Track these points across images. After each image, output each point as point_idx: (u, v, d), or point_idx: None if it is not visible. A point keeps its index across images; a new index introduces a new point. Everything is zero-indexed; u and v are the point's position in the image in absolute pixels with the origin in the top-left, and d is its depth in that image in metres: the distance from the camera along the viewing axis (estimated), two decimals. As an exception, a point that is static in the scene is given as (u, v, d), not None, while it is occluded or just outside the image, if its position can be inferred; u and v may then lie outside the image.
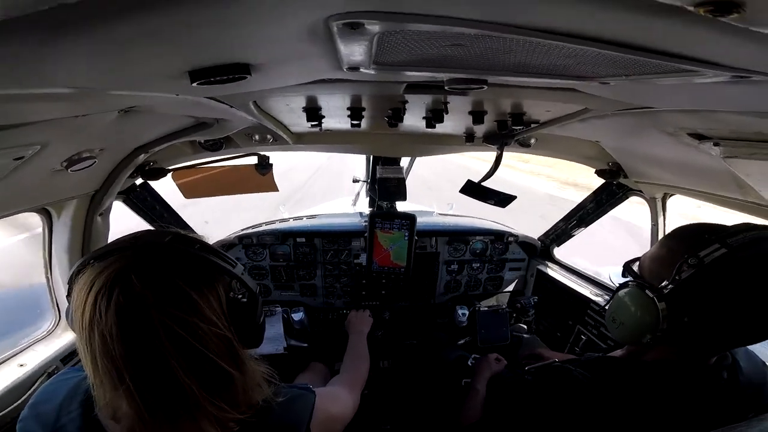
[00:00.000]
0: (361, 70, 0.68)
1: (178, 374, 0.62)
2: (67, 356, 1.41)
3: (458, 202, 3.19)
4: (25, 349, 1.37)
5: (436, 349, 2.27)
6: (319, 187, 12.50)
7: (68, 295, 0.69)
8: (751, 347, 0.93)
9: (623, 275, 1.02)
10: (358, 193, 2.94)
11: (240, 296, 0.73)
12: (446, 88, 0.81)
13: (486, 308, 2.18)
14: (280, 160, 1.76)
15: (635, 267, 0.98)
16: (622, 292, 0.93)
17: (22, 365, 1.28)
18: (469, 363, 1.73)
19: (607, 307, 0.99)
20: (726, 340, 0.85)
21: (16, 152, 0.82)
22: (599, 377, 0.93)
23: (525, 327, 2.16)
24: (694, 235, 0.86)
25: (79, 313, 0.63)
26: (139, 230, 0.76)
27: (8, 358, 1.29)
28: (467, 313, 2.24)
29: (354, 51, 0.55)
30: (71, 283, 0.68)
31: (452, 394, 1.63)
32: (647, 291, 0.85)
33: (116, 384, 0.62)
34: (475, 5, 0.43)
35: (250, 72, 0.58)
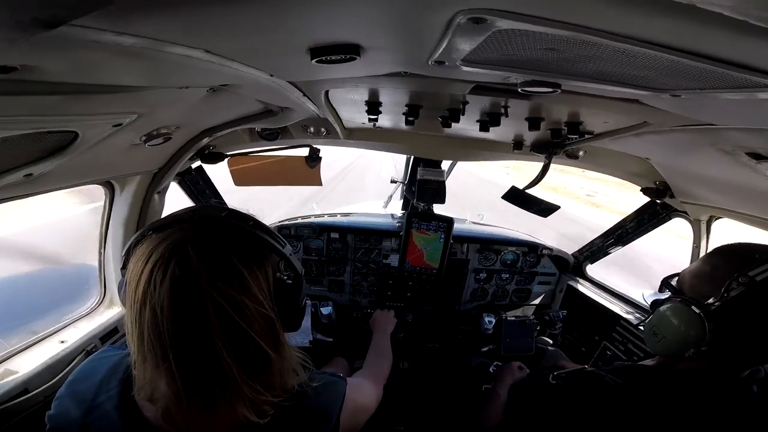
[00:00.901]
0: (447, 64, 0.72)
1: (220, 353, 0.63)
2: (107, 335, 1.43)
3: (487, 214, 3.20)
4: (67, 326, 1.39)
5: (457, 354, 2.28)
6: (344, 186, 12.71)
7: (123, 267, 0.70)
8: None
9: (660, 290, 1.02)
10: (391, 196, 3.00)
11: (285, 277, 0.75)
12: (519, 90, 0.84)
13: (513, 318, 2.18)
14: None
15: (674, 282, 0.98)
16: (664, 307, 0.93)
17: (62, 342, 1.30)
18: (490, 370, 1.74)
19: (645, 322, 0.99)
20: (764, 356, 0.85)
21: (116, 118, 0.88)
22: (631, 384, 0.94)
23: (550, 340, 2.15)
24: (742, 253, 0.87)
25: (134, 285, 0.64)
26: (197, 204, 0.78)
27: (51, 334, 1.32)
28: (494, 321, 2.24)
29: (456, 45, 0.60)
30: (128, 254, 0.69)
31: (472, 399, 1.64)
32: (693, 307, 0.86)
33: (159, 361, 0.63)
34: (587, 13, 0.47)
35: (359, 54, 0.63)
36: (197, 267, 0.62)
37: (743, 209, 1.42)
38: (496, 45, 0.60)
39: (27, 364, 1.18)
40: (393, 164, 2.39)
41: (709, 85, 0.66)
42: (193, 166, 1.76)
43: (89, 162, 1.10)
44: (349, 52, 0.63)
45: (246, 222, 0.73)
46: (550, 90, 0.82)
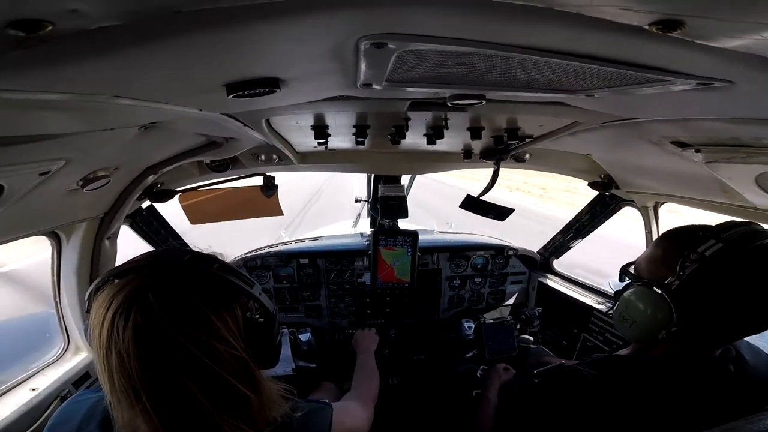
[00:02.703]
0: (374, 86, 0.74)
1: (194, 394, 0.62)
2: (78, 380, 1.41)
3: (456, 221, 3.26)
4: (35, 374, 1.37)
5: (444, 363, 2.28)
6: (317, 209, 12.61)
7: (87, 311, 0.69)
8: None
9: (620, 279, 1.05)
10: (359, 215, 3.00)
11: (257, 316, 0.74)
12: (448, 103, 0.88)
13: (491, 320, 2.21)
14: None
15: (631, 270, 1.02)
16: (628, 293, 0.95)
17: (34, 389, 1.28)
18: (478, 374, 1.75)
19: (613, 310, 1.01)
20: (732, 330, 0.88)
21: (43, 166, 0.84)
22: (608, 375, 0.95)
23: (531, 338, 2.18)
24: (687, 233, 0.91)
25: (97, 331, 0.63)
26: (159, 248, 0.78)
27: (20, 383, 1.30)
28: (473, 326, 2.26)
29: (371, 68, 0.62)
30: (90, 299, 0.68)
31: (464, 406, 1.63)
32: (655, 288, 0.88)
33: (133, 403, 0.62)
34: (479, 30, 0.50)
35: (279, 86, 0.64)
36: (159, 314, 0.62)
37: (682, 193, 1.51)
38: (409, 65, 0.62)
39: (1, 412, 1.18)
40: (363, 183, 2.41)
41: (615, 83, 0.70)
42: (144, 206, 1.70)
43: (26, 213, 1.05)
44: (267, 85, 0.64)
45: (210, 265, 0.71)
46: (476, 101, 0.85)
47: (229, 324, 0.68)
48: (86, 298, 0.70)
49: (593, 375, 0.96)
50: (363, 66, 0.62)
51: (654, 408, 0.86)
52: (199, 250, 0.77)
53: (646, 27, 0.41)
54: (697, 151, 1.07)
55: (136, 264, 0.69)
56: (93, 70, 0.48)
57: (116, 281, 0.66)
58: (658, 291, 0.87)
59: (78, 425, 0.72)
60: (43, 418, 1.23)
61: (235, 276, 0.73)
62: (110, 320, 0.62)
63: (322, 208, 13.10)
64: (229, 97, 0.63)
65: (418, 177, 2.25)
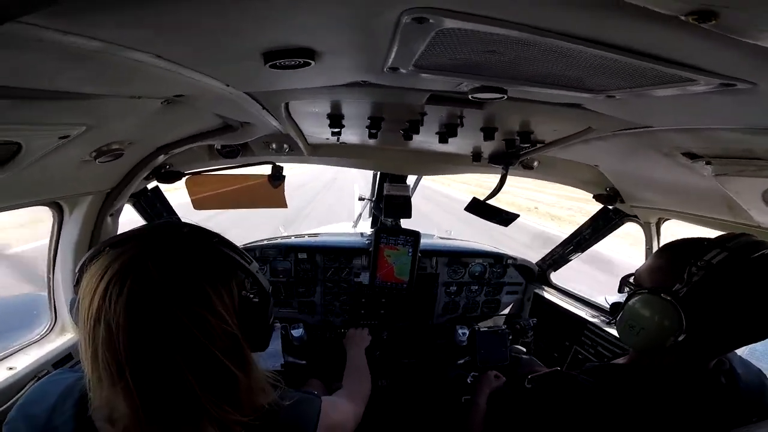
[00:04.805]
0: (400, 69, 0.75)
1: (181, 370, 0.61)
2: (59, 362, 1.35)
3: (455, 230, 3.28)
4: (16, 352, 1.32)
5: (435, 368, 2.26)
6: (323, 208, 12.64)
7: (76, 285, 0.67)
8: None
9: (620, 290, 1.05)
10: (360, 215, 3.01)
11: (252, 295, 0.73)
12: (469, 96, 0.89)
13: (486, 329, 2.20)
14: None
15: (632, 281, 1.01)
16: (633, 300, 0.93)
17: (11, 368, 1.23)
18: (468, 380, 1.74)
19: (618, 319, 0.99)
20: (736, 337, 0.88)
21: (64, 129, 0.84)
22: (603, 382, 0.95)
23: (523, 348, 2.18)
24: (691, 244, 0.92)
25: (87, 301, 0.62)
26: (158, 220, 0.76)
27: None
28: (467, 332, 2.25)
29: (405, 47, 0.63)
30: (82, 270, 0.67)
31: (452, 411, 1.62)
32: (663, 295, 0.87)
33: (115, 379, 0.60)
34: (521, 11, 0.51)
35: (314, 58, 0.64)
36: (157, 282, 0.61)
37: (686, 209, 1.53)
38: (441, 48, 0.64)
39: None
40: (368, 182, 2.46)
41: (638, 83, 0.72)
42: (149, 186, 1.69)
43: (35, 179, 1.03)
44: (303, 56, 0.64)
45: (210, 238, 0.71)
46: (498, 96, 0.86)
47: (225, 299, 0.67)
48: (77, 269, 0.68)
49: (589, 382, 0.96)
50: (396, 45, 0.63)
51: (648, 417, 0.86)
52: (200, 226, 0.76)
53: (683, 17, 0.42)
54: (708, 163, 1.09)
55: (135, 233, 0.68)
56: (136, 19, 0.48)
57: (112, 250, 0.64)
58: (666, 298, 0.87)
59: (53, 405, 0.69)
60: (16, 397, 1.17)
61: (233, 251, 0.72)
62: (103, 289, 0.60)
63: (328, 206, 13.16)
64: (266, 66, 0.63)
65: (422, 189, 2.27)
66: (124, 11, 0.46)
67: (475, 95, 0.88)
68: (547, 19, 0.52)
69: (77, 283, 0.67)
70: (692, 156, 1.13)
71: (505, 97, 0.88)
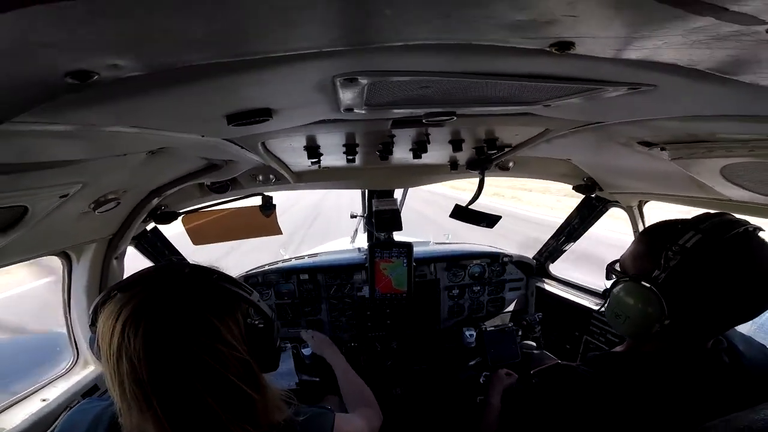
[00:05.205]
0: (355, 110, 0.84)
1: (202, 396, 0.67)
2: (87, 392, 1.46)
3: (454, 232, 3.32)
4: (46, 386, 1.43)
5: (446, 372, 2.28)
6: (318, 227, 12.70)
7: (92, 325, 0.73)
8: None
9: (607, 277, 1.09)
10: (356, 230, 3.07)
11: (257, 322, 0.79)
12: (423, 120, 0.97)
13: (493, 327, 2.23)
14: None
15: (617, 267, 1.03)
16: (616, 289, 0.96)
17: (44, 400, 1.34)
18: (480, 380, 1.76)
19: (605, 308, 1.02)
20: (720, 320, 0.88)
21: (63, 189, 0.93)
22: (602, 371, 0.96)
23: (534, 344, 2.20)
24: (666, 227, 0.93)
25: (107, 340, 0.67)
26: (159, 263, 0.84)
27: (31, 394, 1.35)
28: (474, 334, 2.29)
29: (350, 97, 0.72)
30: (96, 312, 0.73)
31: (468, 412, 1.65)
32: (643, 282, 0.89)
33: (143, 408, 0.66)
34: (429, 63, 0.59)
35: (271, 115, 0.73)
36: (167, 321, 0.67)
37: (661, 191, 1.57)
38: (381, 92, 0.72)
39: (11, 422, 1.22)
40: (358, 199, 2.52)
41: (559, 95, 0.79)
42: (148, 228, 1.78)
43: (42, 234, 1.13)
44: (261, 115, 0.73)
45: (210, 275, 0.77)
46: (448, 117, 0.94)
47: (232, 328, 0.73)
48: (91, 312, 0.74)
49: (588, 372, 0.97)
50: (341, 95, 0.72)
51: (650, 402, 0.86)
52: (197, 263, 0.82)
53: (548, 49, 0.50)
54: (662, 149, 1.14)
55: (140, 277, 0.74)
56: (120, 107, 0.58)
57: (121, 294, 0.70)
58: (647, 285, 0.89)
59: (85, 431, 0.76)
60: (52, 427, 1.27)
61: (233, 285, 0.78)
62: (120, 329, 0.66)
63: (325, 225, 13.23)
64: (230, 125, 0.72)
65: (421, 194, 2.33)
66: (111, 103, 0.56)
67: (428, 119, 0.96)
68: (454, 65, 0.60)
69: (93, 323, 0.73)
70: (648, 144, 1.18)
71: (455, 117, 0.95)
